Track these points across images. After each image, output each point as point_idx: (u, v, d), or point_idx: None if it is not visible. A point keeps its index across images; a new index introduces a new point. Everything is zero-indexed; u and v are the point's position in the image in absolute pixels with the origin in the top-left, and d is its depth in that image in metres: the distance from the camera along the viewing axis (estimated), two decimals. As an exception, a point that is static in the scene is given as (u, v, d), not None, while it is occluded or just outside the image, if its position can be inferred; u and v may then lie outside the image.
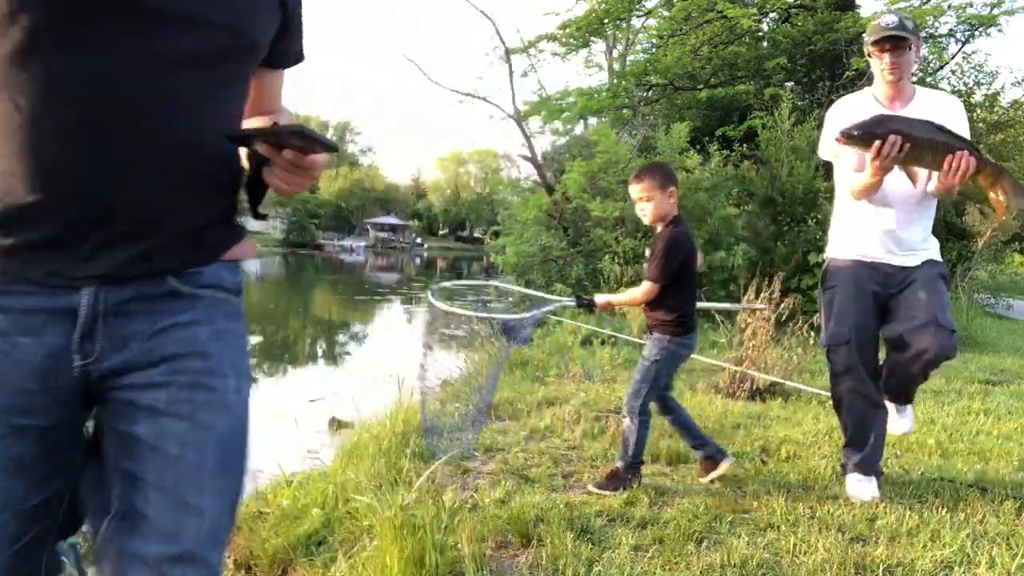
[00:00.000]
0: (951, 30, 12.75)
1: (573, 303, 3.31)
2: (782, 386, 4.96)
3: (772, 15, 13.19)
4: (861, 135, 2.49)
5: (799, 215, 9.77)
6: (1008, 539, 2.57)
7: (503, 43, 14.34)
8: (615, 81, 14.68)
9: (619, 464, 3.06)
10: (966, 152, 2.44)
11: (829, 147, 2.84)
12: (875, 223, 2.87)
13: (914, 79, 12.62)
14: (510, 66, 14.33)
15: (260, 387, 8.09)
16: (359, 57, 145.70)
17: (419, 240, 70.91)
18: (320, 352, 11.42)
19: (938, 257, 2.93)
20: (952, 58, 13.26)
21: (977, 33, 12.55)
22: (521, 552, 2.44)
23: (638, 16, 14.31)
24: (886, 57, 2.77)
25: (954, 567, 2.37)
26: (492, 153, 76.34)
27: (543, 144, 15.47)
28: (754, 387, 4.96)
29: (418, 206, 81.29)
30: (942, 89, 13.63)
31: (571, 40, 14.18)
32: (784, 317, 6.26)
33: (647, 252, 3.09)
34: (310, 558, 2.61)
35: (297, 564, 2.65)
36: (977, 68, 13.36)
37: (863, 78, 11.78)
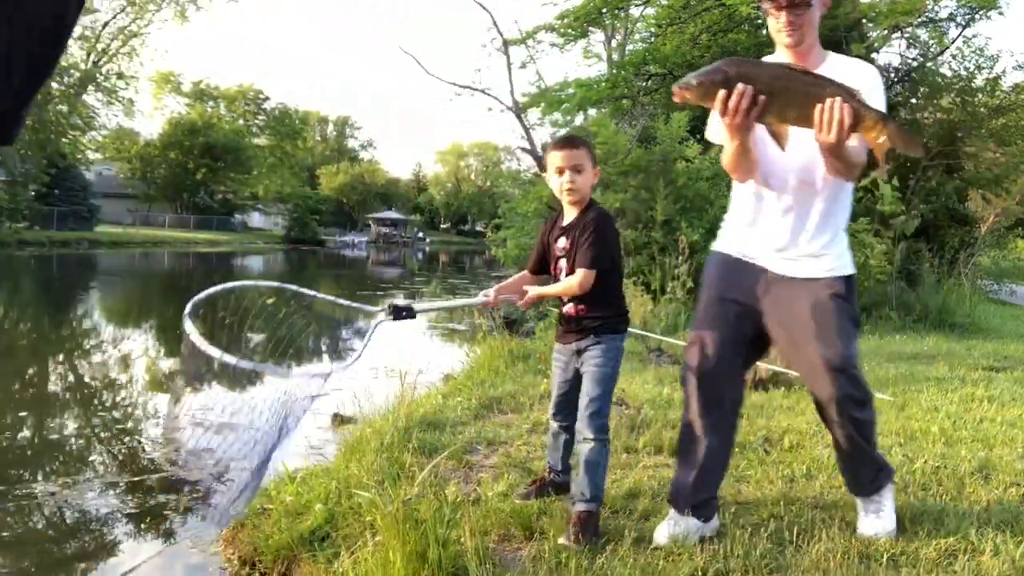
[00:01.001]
0: (951, 14, 12.69)
1: (386, 315, 2.60)
2: (785, 375, 4.94)
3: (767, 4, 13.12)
4: (700, 84, 1.99)
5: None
6: (1012, 526, 2.56)
7: (501, 34, 14.31)
8: (614, 71, 14.63)
9: (586, 507, 2.50)
10: (838, 99, 1.93)
11: (715, 125, 2.29)
12: (760, 211, 2.36)
13: (914, 63, 12.43)
14: (508, 58, 14.29)
15: (263, 384, 8.07)
16: (359, 57, 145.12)
17: (421, 234, 70.87)
18: (323, 348, 11.42)
19: (844, 269, 2.33)
20: (952, 42, 13.19)
21: (977, 17, 12.47)
22: (524, 545, 2.44)
23: (636, 5, 14.24)
24: (782, 16, 2.25)
25: (958, 555, 2.36)
26: (492, 146, 76.14)
27: (543, 135, 15.43)
28: (756, 377, 4.95)
29: (419, 200, 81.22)
30: (942, 74, 13.55)
31: (569, 31, 14.13)
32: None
33: (560, 242, 2.65)
34: (313, 553, 2.62)
35: (300, 559, 2.65)
36: (978, 52, 13.28)
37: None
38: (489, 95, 14.32)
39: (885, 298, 9.47)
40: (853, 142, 2.03)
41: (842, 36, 11.52)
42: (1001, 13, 12.25)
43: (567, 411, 2.74)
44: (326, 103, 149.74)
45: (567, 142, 2.66)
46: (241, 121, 57.96)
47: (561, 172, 2.59)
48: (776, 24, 2.28)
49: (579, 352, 2.64)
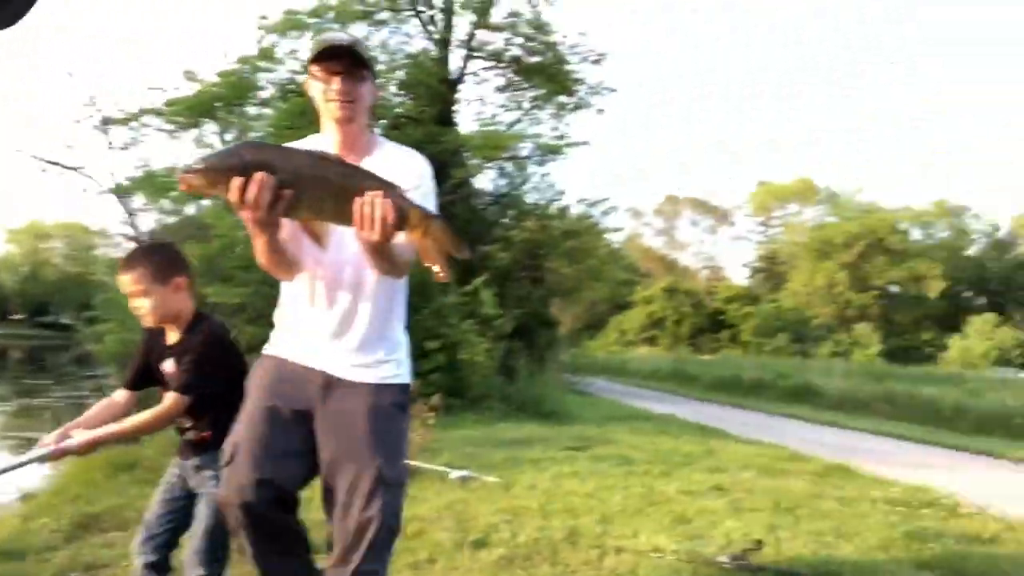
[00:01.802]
0: (529, 153, 15.32)
1: None
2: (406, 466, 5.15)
3: (384, 121, 14.28)
4: (209, 170, 1.66)
5: (413, 303, 10.50)
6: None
7: (100, 111, 13.10)
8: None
9: None
10: (380, 194, 1.68)
11: None
12: (313, 311, 2.06)
13: (504, 190, 14.44)
14: (108, 137, 13.12)
15: None
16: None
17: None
18: None
19: (404, 377, 2.13)
20: (531, 177, 15.90)
21: (548, 158, 15.26)
22: None
23: (253, 104, 14.29)
24: (335, 82, 1.96)
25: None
26: (82, 228, 67.34)
27: (148, 222, 14.19)
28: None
29: (-16, 286, 67.70)
30: (525, 202, 16.09)
31: (179, 119, 13.56)
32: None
33: (166, 365, 2.32)
34: None
35: None
36: (550, 186, 16.20)
37: (463, 186, 13.35)
38: (84, 175, 12.86)
39: (490, 391, 10.53)
40: (399, 239, 1.80)
41: (448, 159, 13.01)
42: (565, 157, 15.19)
43: (161, 541, 2.33)
44: None
45: (123, 263, 2.31)
46: None
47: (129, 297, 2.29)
48: (327, 92, 1.99)
49: (198, 468, 2.30)
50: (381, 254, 1.80)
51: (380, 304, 2.06)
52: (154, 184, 13.07)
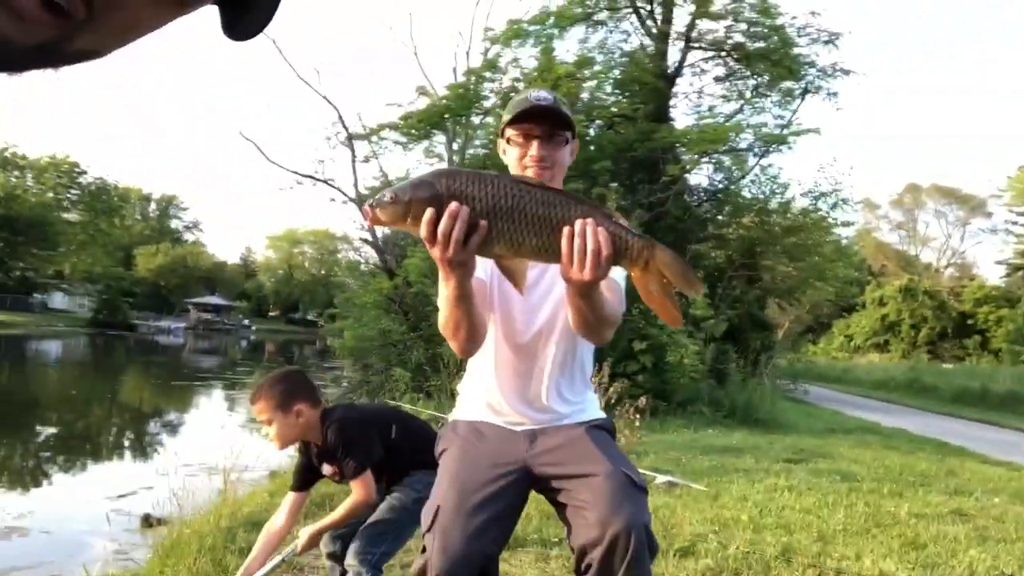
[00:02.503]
0: (749, 145, 14.53)
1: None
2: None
3: (599, 122, 14.37)
4: (398, 203, 1.40)
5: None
6: (811, 605, 2.81)
7: (346, 128, 14.49)
8: (454, 172, 15.11)
9: None
10: (591, 222, 1.40)
11: None
12: (500, 369, 1.88)
13: (720, 185, 13.79)
14: (352, 151, 14.46)
15: (57, 483, 7.24)
16: (191, 127, 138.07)
17: (246, 322, 67.50)
18: (129, 443, 10.44)
19: (596, 413, 1.97)
20: (751, 170, 15.06)
21: (771, 149, 14.38)
22: (358, 649, 2.34)
23: (477, 114, 15.05)
24: (534, 147, 1.79)
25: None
26: (328, 234, 75.13)
27: (383, 228, 15.47)
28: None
29: (247, 286, 77.89)
30: (743, 197, 15.32)
31: (412, 131, 14.60)
32: (613, 400, 6.61)
33: (325, 469, 2.52)
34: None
35: None
36: (772, 179, 15.23)
37: (677, 183, 13.07)
38: (332, 186, 14.32)
39: (698, 395, 10.23)
40: (607, 294, 1.62)
41: (660, 157, 12.81)
42: (791, 147, 14.23)
43: (345, 532, 2.51)
44: (152, 175, 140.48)
45: (252, 395, 2.51)
46: (51, 194, 53.47)
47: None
48: (522, 158, 1.81)
49: (389, 490, 2.54)
50: (588, 299, 1.53)
51: (573, 360, 1.90)
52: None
